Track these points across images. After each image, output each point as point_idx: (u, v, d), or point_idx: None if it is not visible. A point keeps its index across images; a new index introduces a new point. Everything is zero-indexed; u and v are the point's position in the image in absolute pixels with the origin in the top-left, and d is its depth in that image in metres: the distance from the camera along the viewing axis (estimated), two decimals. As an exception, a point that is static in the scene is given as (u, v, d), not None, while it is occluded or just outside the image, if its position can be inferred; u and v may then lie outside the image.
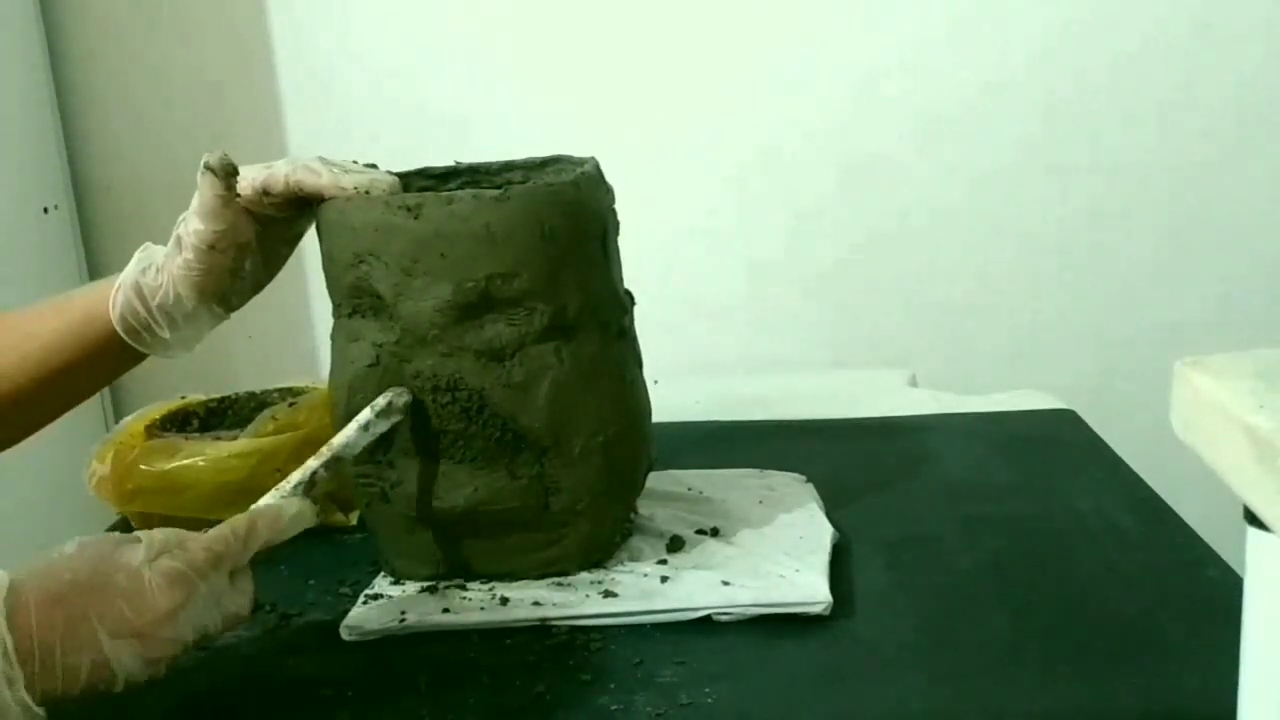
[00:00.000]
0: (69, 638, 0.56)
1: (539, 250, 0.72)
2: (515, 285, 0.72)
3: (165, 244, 0.77)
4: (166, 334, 0.76)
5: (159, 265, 0.75)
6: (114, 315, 0.76)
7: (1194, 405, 0.42)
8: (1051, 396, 1.16)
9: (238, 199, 0.74)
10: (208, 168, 0.73)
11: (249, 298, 0.79)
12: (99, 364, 0.78)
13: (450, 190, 0.77)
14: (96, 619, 0.57)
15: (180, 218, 0.75)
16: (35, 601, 0.55)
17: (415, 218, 0.71)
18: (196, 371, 0.80)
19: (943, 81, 1.58)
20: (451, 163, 0.84)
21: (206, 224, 0.73)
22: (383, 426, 0.73)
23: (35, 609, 0.55)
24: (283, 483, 0.69)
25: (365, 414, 0.73)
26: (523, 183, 0.79)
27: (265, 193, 0.74)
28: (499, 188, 0.73)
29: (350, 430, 0.72)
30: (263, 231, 0.76)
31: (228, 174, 0.73)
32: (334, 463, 0.71)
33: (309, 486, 0.69)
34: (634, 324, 0.82)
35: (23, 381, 0.76)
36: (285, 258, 0.79)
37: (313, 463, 0.70)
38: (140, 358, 0.79)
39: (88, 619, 0.56)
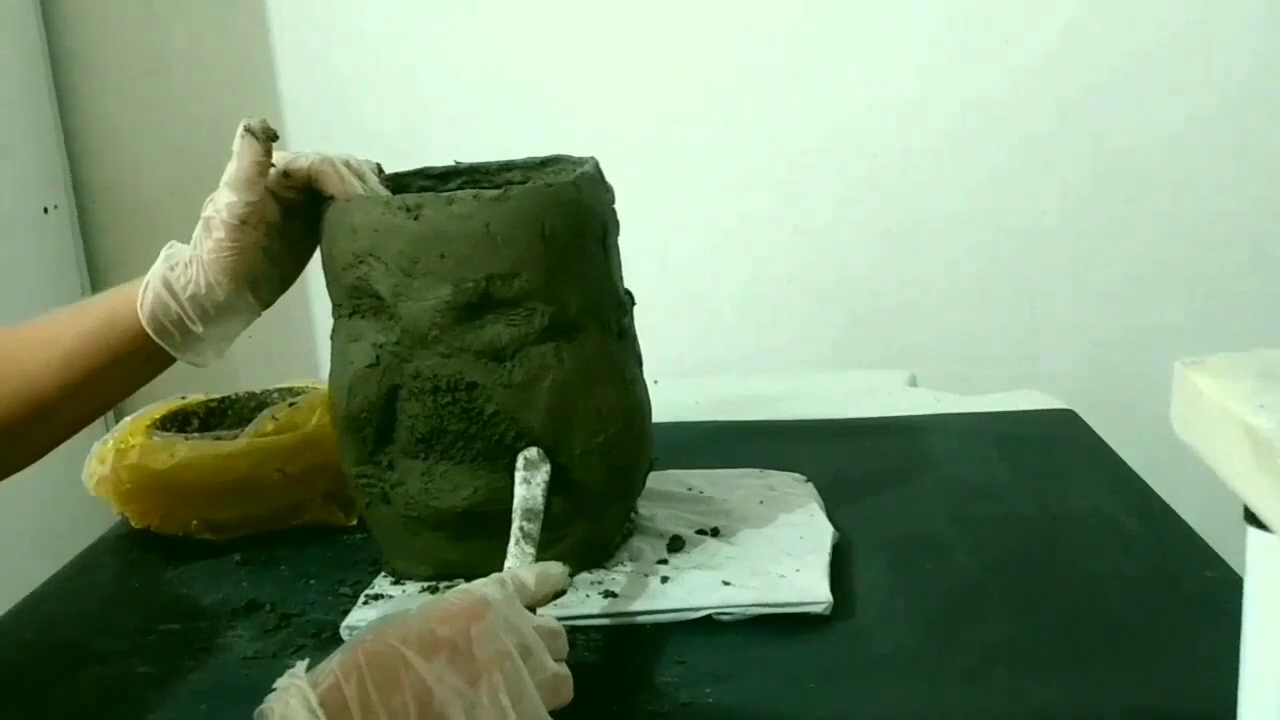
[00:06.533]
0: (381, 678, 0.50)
1: (538, 250, 0.72)
2: (515, 285, 0.72)
3: (184, 245, 0.75)
4: (199, 328, 0.74)
5: (187, 259, 0.74)
6: (143, 315, 0.74)
7: (1194, 405, 0.42)
8: (1051, 396, 1.16)
9: (273, 168, 0.73)
10: (248, 130, 0.71)
11: (280, 291, 0.78)
12: (123, 369, 0.76)
13: (450, 190, 0.77)
14: (400, 641, 0.52)
15: (207, 201, 0.74)
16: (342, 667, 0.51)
17: (415, 218, 0.71)
18: (196, 372, 0.80)
19: (944, 84, 1.58)
20: (451, 162, 0.84)
21: (240, 194, 0.72)
22: (540, 476, 0.73)
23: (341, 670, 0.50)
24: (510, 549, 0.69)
25: (520, 474, 0.73)
26: (522, 183, 0.79)
27: (285, 174, 0.74)
28: (498, 187, 0.73)
29: (520, 491, 0.72)
30: (286, 216, 0.75)
31: (268, 138, 0.72)
32: (535, 516, 0.71)
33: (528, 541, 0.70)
34: (634, 324, 0.82)
35: (46, 391, 0.74)
36: (312, 249, 0.78)
37: (516, 532, 0.70)
38: (166, 363, 0.77)
39: (394, 647, 0.51)
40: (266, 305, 0.77)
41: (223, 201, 0.73)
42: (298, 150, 0.75)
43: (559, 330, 0.73)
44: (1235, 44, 1.54)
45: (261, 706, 0.49)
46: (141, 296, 0.74)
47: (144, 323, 0.74)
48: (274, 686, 0.50)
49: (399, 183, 0.82)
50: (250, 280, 0.75)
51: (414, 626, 0.53)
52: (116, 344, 0.74)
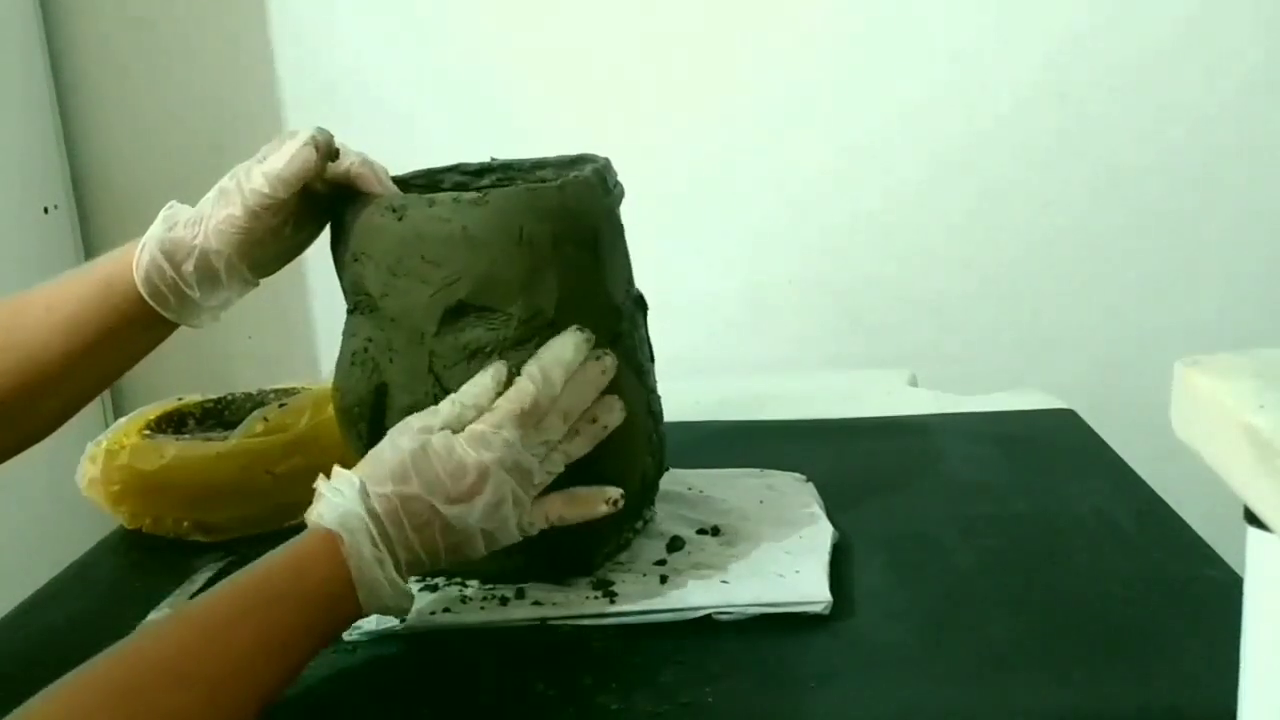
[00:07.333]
0: (410, 512, 0.64)
1: (514, 254, 0.71)
2: (491, 289, 0.71)
3: (184, 206, 0.75)
4: (195, 294, 0.73)
5: (188, 221, 0.73)
6: (138, 277, 0.72)
7: (1194, 405, 0.42)
8: (1051, 396, 1.16)
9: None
10: (314, 141, 0.71)
11: (284, 264, 0.77)
12: (127, 335, 0.74)
13: (483, 187, 0.76)
14: (424, 489, 0.64)
15: (234, 172, 0.73)
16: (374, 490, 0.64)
17: (399, 219, 0.71)
18: (196, 372, 0.80)
19: (945, 85, 1.58)
20: (487, 159, 0.84)
21: (274, 190, 0.71)
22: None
23: (375, 495, 0.64)
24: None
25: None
26: (541, 182, 0.77)
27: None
28: (513, 185, 0.71)
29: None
30: (303, 205, 0.74)
31: (330, 157, 0.72)
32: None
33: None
34: (637, 331, 0.80)
35: (51, 359, 0.72)
36: (317, 232, 0.78)
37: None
38: (168, 330, 0.76)
39: (419, 491, 0.64)
40: (264, 276, 0.77)
41: (250, 187, 0.72)
42: (339, 146, 0.74)
43: (536, 335, 0.72)
44: (1236, 47, 1.54)
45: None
46: (138, 257, 0.73)
47: (139, 285, 0.73)
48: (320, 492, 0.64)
49: (433, 179, 0.82)
50: (252, 255, 0.74)
51: (434, 477, 0.65)
52: (119, 308, 0.73)
